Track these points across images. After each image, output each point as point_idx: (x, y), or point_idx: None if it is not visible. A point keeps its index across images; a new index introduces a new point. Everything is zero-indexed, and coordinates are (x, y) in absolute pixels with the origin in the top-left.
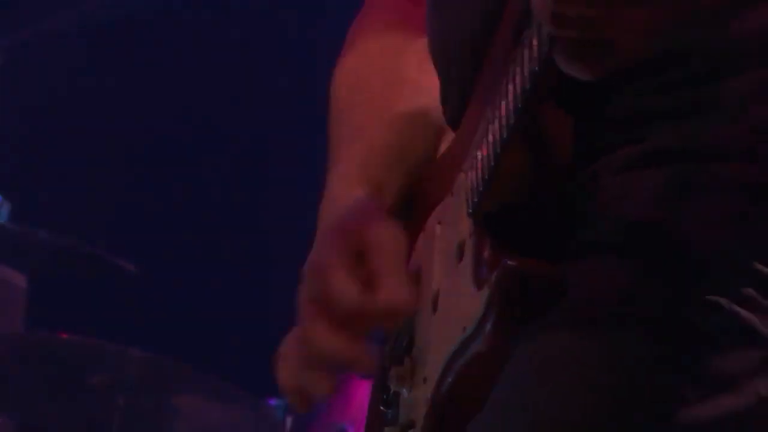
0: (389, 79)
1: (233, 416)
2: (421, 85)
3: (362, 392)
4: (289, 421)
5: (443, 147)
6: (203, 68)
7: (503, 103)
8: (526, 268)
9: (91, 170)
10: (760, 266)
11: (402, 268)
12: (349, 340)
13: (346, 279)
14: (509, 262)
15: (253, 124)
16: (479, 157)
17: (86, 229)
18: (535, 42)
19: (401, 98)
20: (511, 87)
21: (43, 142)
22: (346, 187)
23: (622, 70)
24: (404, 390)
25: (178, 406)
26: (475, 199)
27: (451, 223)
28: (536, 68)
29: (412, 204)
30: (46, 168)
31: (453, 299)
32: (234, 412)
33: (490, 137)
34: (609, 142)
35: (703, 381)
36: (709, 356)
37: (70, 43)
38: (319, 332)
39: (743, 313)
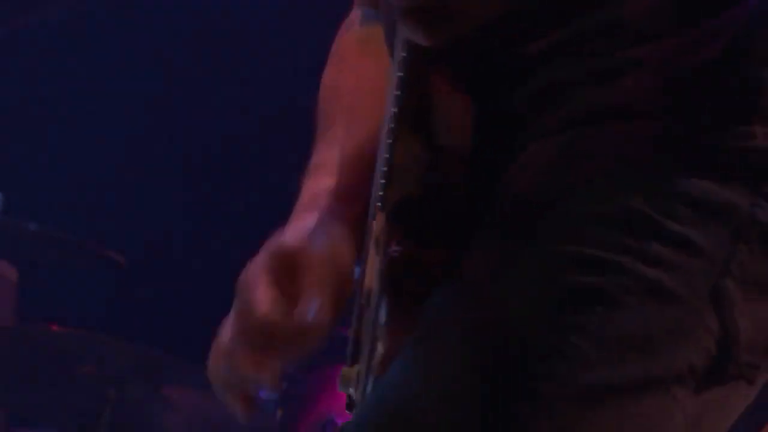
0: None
1: (223, 408)
2: None
3: None
4: (279, 413)
5: None
6: (198, 61)
7: (391, 93)
8: (413, 257)
9: (82, 162)
10: (669, 222)
11: (324, 289)
12: (259, 358)
13: (266, 291)
14: (393, 253)
15: (249, 118)
16: (382, 148)
17: (77, 222)
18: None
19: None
20: (394, 76)
21: (34, 134)
22: (320, 179)
23: (535, 50)
24: (351, 390)
25: (168, 398)
26: (381, 192)
27: (375, 217)
28: (405, 54)
29: None
30: (36, 160)
31: (374, 293)
32: (223, 403)
33: (386, 128)
34: (517, 122)
35: (608, 343)
36: (612, 318)
37: (60, 35)
38: (234, 350)
39: (649, 271)
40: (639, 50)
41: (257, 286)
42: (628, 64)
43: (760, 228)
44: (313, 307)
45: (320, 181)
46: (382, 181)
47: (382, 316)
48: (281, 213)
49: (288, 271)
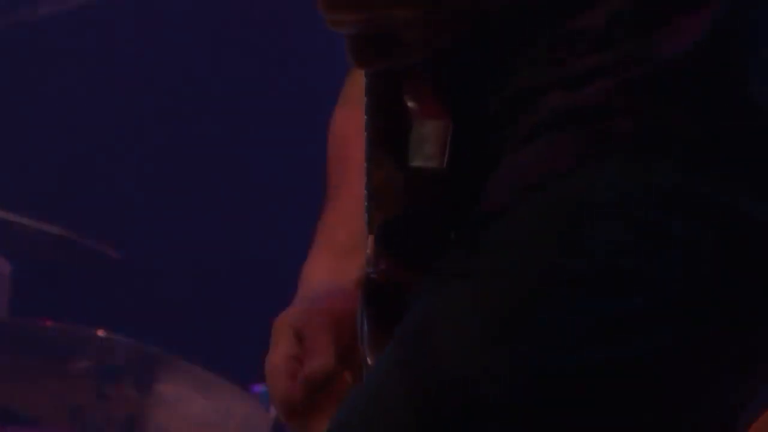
0: None
1: (217, 405)
2: None
3: None
4: (273, 409)
5: None
6: (196, 54)
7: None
8: (392, 278)
9: (76, 157)
10: (639, 211)
11: (326, 343)
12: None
13: (281, 380)
14: (371, 275)
15: (244, 108)
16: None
17: (72, 216)
18: None
19: None
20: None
21: (28, 128)
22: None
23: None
24: None
25: (162, 394)
26: (367, 213)
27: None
28: (367, 81)
29: None
30: (30, 153)
31: (358, 309)
32: (218, 400)
33: (364, 154)
34: (495, 135)
35: (591, 324)
36: (591, 301)
37: (53, 28)
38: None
39: (622, 261)
40: (602, 56)
41: (275, 376)
42: (593, 69)
43: (726, 215)
44: (315, 364)
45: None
46: (366, 203)
47: (365, 332)
48: (276, 209)
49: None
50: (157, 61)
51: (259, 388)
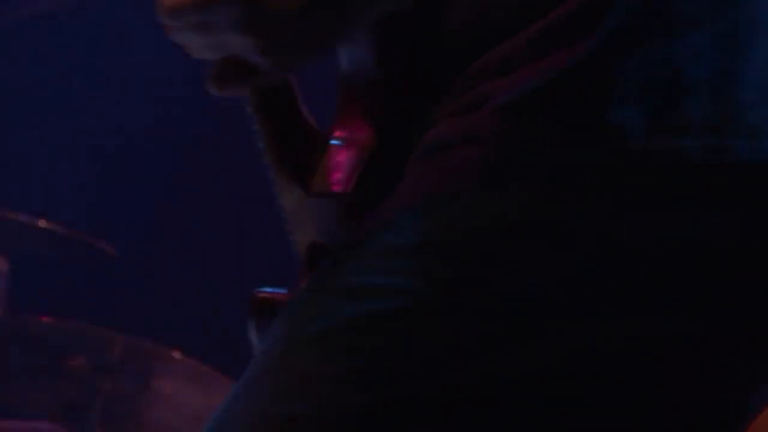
0: None
1: (215, 401)
2: None
3: None
4: None
5: None
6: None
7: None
8: (271, 298)
9: (72, 152)
10: (482, 242)
11: None
12: None
13: None
14: (258, 294)
15: (243, 107)
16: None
17: (68, 212)
18: None
19: None
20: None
21: (23, 125)
22: None
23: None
24: None
25: (160, 390)
26: (289, 234)
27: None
28: (254, 97)
29: None
30: (26, 150)
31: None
32: (216, 396)
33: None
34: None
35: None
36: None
37: (44, 25)
38: None
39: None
40: (490, 84)
41: None
42: (479, 98)
43: (588, 240)
44: None
45: None
46: (286, 225)
47: (254, 340)
48: (273, 207)
49: None
50: (156, 59)
51: None
